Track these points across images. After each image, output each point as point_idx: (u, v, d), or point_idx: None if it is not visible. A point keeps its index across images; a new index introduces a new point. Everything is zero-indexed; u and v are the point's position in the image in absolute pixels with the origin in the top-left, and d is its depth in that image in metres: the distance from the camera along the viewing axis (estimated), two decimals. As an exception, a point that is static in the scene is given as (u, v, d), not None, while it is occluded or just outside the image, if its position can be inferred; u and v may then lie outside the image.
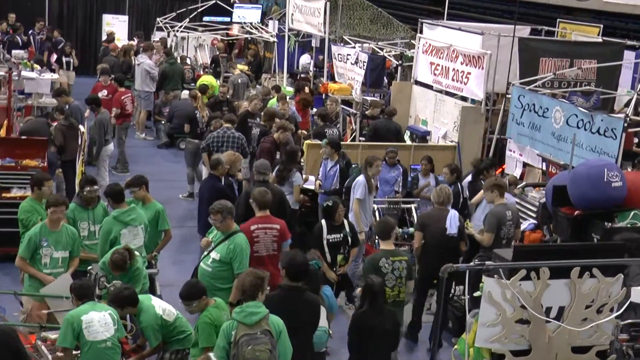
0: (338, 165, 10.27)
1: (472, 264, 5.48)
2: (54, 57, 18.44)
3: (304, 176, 10.56)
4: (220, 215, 7.21)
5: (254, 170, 9.12)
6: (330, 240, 8.30)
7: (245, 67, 19.19)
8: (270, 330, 5.69)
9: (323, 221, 8.34)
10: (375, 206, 10.07)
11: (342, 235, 8.33)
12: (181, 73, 17.01)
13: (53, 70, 16.73)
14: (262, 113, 12.36)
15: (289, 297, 6.17)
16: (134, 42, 19.50)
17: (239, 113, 12.98)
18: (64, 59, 17.99)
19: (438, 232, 8.32)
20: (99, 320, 6.09)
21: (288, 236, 7.87)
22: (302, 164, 11.21)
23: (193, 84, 17.09)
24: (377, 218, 10.00)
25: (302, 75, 18.54)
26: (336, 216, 8.29)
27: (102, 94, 14.12)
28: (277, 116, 11.98)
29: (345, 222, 8.44)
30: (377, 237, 9.71)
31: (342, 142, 11.12)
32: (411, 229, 9.92)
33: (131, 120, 14.09)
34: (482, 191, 9.15)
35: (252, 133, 11.86)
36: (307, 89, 15.17)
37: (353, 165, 10.86)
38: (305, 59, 19.59)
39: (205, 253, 7.32)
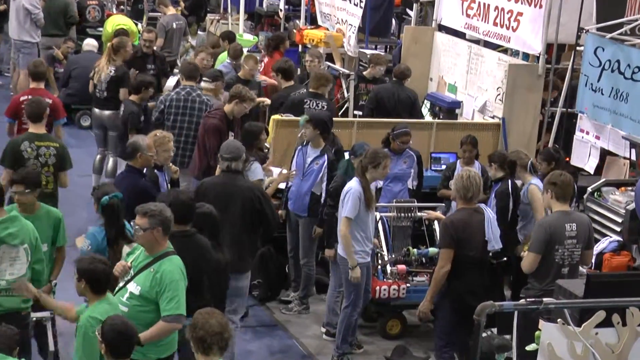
0: (325, 157, 10.20)
1: (522, 301, 5.45)
2: None
3: (274, 171, 10.59)
4: (147, 220, 7.12)
5: (219, 155, 9.19)
6: None
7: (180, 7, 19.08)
8: None
9: None
10: (378, 215, 10.02)
11: None
12: (62, 11, 16.92)
13: None
14: (312, 77, 12.33)
15: (177, 244, 7.24)
16: None
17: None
18: None
19: (475, 249, 8.30)
20: None
21: (61, 115, 10.93)
22: (267, 151, 11.17)
23: (100, 29, 16.99)
24: (383, 237, 10.00)
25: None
26: None
27: None
28: (330, 80, 12.12)
29: None
30: (379, 264, 9.76)
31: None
32: (433, 249, 9.91)
33: None
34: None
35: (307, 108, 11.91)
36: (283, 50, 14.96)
37: (347, 155, 10.76)
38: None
39: (121, 284, 7.27)
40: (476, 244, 8.39)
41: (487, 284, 8.31)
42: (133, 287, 7.14)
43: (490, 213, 8.60)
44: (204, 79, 12.09)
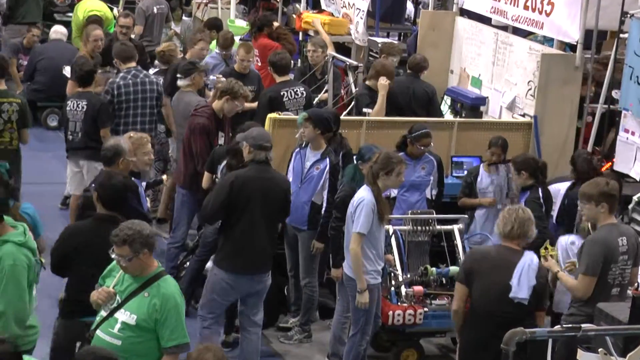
0: (327, 161, 10.21)
1: (557, 328, 5.41)
2: None
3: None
4: (129, 248, 7.06)
5: (250, 144, 9.25)
6: None
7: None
8: None
9: None
10: (391, 229, 10.02)
11: None
12: None
13: None
14: (372, 68, 12.54)
15: (102, 228, 7.50)
16: None
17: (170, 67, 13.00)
18: None
19: (494, 290, 7.95)
20: None
21: None
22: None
23: (70, 14, 17.08)
24: (397, 254, 9.99)
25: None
26: None
27: None
28: (390, 73, 12.37)
29: None
30: (392, 285, 9.74)
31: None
32: (454, 268, 9.87)
33: None
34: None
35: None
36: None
37: (355, 160, 10.75)
38: None
39: (104, 314, 7.22)
40: (492, 285, 7.96)
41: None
42: (126, 317, 7.11)
43: (533, 261, 8.01)
44: (177, 75, 12.11)
